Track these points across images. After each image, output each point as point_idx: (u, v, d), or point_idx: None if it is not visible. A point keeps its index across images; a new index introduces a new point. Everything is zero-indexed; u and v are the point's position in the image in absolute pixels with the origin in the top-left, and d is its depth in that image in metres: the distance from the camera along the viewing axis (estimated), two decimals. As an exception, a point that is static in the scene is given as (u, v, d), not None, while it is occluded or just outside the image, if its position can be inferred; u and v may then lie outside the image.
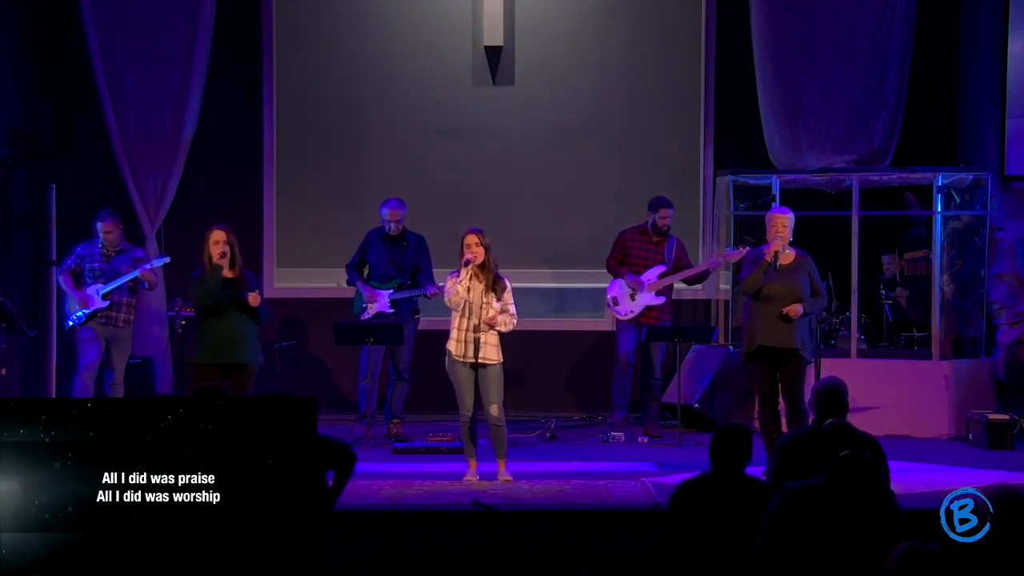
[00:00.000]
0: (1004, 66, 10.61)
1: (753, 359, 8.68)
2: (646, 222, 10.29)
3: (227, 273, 8.57)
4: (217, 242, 8.55)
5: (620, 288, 10.23)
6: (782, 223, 8.66)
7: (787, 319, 8.50)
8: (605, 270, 10.38)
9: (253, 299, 8.49)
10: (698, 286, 11.00)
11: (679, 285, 10.35)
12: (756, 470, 7.74)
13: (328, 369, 11.48)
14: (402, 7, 11.52)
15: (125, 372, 9.88)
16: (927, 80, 11.04)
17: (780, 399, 8.64)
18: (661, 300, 10.17)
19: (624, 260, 10.27)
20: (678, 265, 10.24)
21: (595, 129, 11.48)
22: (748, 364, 8.79)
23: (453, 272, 8.31)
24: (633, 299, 10.17)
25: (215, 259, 8.51)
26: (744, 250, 10.34)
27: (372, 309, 10.01)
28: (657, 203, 10.25)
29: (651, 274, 10.17)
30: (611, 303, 10.27)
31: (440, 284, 9.58)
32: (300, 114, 11.55)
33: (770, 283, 8.57)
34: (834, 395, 6.42)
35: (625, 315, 10.21)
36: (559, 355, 11.46)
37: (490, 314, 8.20)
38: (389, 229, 10.10)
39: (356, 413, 10.24)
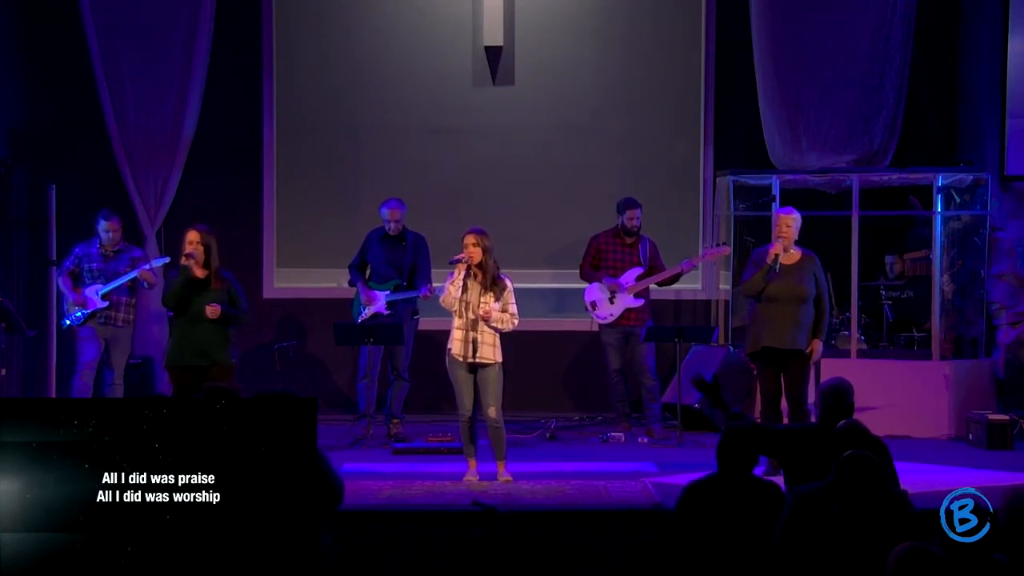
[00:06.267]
0: (1004, 66, 10.60)
1: (757, 360, 8.67)
2: (617, 225, 10.25)
3: (198, 274, 8.47)
4: (191, 242, 8.46)
5: (598, 292, 10.18)
6: (786, 223, 8.64)
7: (792, 320, 8.48)
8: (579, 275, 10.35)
9: (211, 312, 8.37)
10: (697, 286, 10.97)
11: (653, 287, 10.29)
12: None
13: (328, 369, 11.47)
14: (402, 7, 11.52)
15: (125, 372, 9.88)
16: (927, 80, 11.04)
17: (783, 400, 8.64)
18: (640, 302, 10.12)
19: (599, 264, 10.22)
20: (652, 266, 10.19)
21: (595, 129, 11.48)
22: (753, 364, 8.78)
23: (451, 274, 8.31)
24: (612, 302, 10.12)
25: (181, 260, 8.46)
26: (724, 249, 10.32)
27: (369, 310, 10.02)
28: (624, 204, 10.19)
29: (628, 276, 10.12)
30: (590, 308, 10.22)
31: (436, 285, 9.59)
32: (300, 114, 11.55)
33: (773, 283, 8.55)
34: (839, 395, 6.41)
35: (605, 319, 10.15)
36: (559, 355, 11.46)
37: (484, 308, 8.18)
38: (389, 229, 10.11)
39: (356, 413, 10.23)
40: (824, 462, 5.52)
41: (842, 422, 6.17)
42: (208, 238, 8.48)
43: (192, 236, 8.47)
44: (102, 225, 9.80)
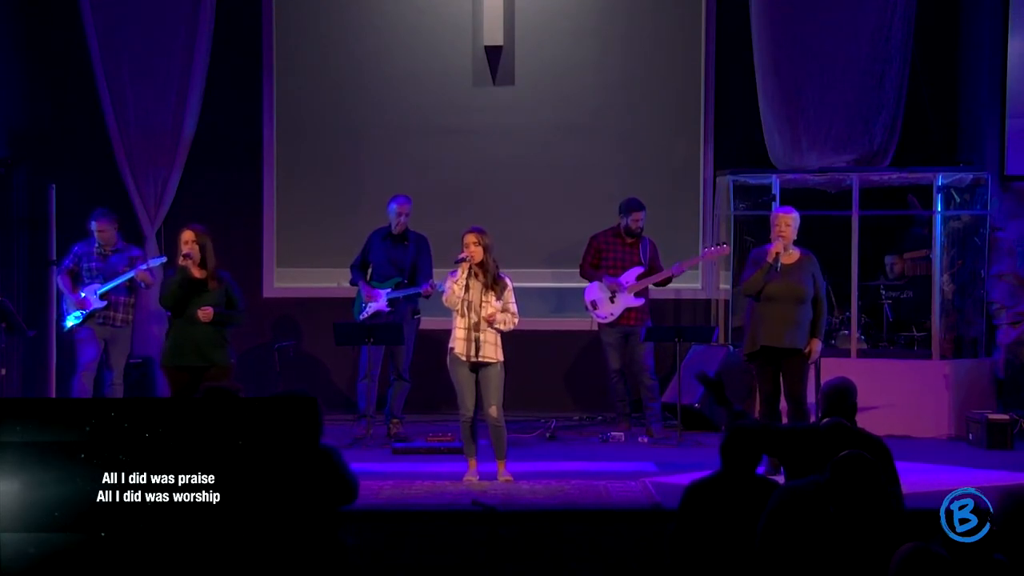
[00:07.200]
0: (1004, 66, 10.61)
1: (755, 359, 8.67)
2: (618, 225, 10.24)
3: (196, 274, 8.43)
4: (187, 242, 8.44)
5: (598, 291, 10.17)
6: (785, 222, 8.64)
7: (791, 319, 8.48)
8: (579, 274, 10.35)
9: (202, 315, 8.34)
10: (697, 286, 10.94)
11: (652, 286, 10.29)
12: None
13: (327, 369, 11.48)
14: (402, 7, 11.53)
15: (125, 372, 9.87)
16: (927, 80, 11.04)
17: (783, 399, 8.64)
18: (640, 301, 10.11)
19: (599, 263, 10.21)
20: (652, 266, 10.18)
21: (595, 129, 11.48)
22: (751, 364, 8.79)
23: (452, 272, 8.33)
24: (612, 301, 10.11)
25: (179, 260, 8.45)
26: (724, 249, 10.31)
27: (371, 308, 10.02)
28: (630, 206, 10.18)
29: (629, 275, 10.11)
30: (590, 307, 10.22)
31: (436, 282, 9.60)
32: (300, 114, 11.55)
33: (772, 283, 8.55)
34: (841, 395, 6.39)
35: (606, 318, 10.14)
36: (559, 355, 11.46)
37: (488, 311, 8.22)
38: (396, 225, 10.09)
39: (355, 413, 10.24)
40: (826, 462, 5.52)
41: (826, 420, 6.16)
42: (204, 238, 8.47)
43: (187, 236, 8.45)
44: (92, 227, 9.81)
